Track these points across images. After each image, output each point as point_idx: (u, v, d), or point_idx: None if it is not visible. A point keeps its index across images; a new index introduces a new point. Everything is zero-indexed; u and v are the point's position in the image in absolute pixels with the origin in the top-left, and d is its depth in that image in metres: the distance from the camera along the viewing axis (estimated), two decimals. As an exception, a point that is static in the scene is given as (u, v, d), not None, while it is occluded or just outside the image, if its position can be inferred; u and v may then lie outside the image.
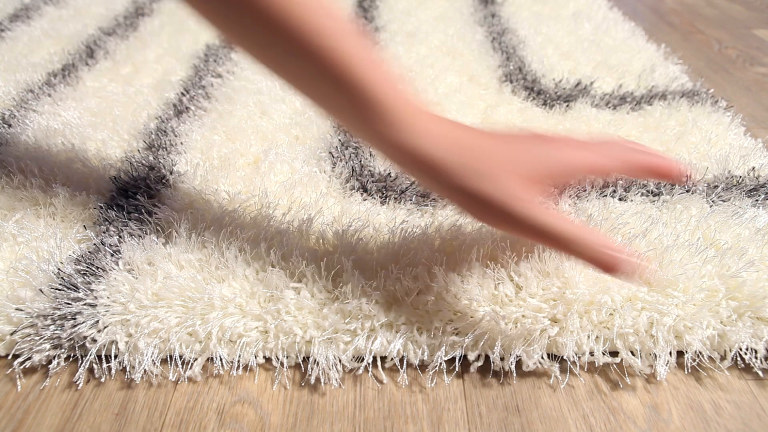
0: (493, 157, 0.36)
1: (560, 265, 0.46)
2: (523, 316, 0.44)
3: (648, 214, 0.53)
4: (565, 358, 0.43)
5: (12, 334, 0.44)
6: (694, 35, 1.04)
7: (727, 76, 0.89)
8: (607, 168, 0.39)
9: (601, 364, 0.44)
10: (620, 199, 0.56)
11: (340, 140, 0.66)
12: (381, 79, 0.36)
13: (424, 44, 0.91)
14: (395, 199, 0.57)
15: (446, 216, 0.54)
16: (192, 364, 0.43)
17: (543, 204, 0.36)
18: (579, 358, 0.43)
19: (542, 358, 0.43)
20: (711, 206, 0.54)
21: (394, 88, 0.36)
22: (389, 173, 0.60)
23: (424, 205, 0.56)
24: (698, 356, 0.44)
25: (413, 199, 0.57)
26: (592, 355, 0.43)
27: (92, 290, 0.45)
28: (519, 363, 0.43)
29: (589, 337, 0.43)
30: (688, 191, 0.56)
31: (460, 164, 0.36)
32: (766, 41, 1.02)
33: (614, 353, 0.44)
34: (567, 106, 0.73)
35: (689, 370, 0.44)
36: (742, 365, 0.44)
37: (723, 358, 0.44)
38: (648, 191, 0.56)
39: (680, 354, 0.44)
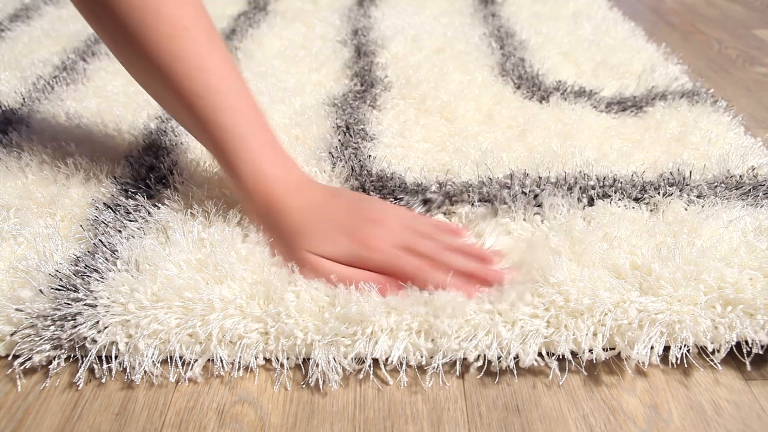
0: (314, 242, 0.47)
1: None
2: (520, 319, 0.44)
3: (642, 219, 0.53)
4: (562, 355, 0.44)
5: (12, 334, 0.44)
6: (694, 35, 1.04)
7: (727, 76, 0.89)
8: (414, 281, 0.45)
9: (600, 359, 0.44)
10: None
11: (339, 140, 0.66)
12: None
13: (424, 44, 0.91)
14: (393, 200, 0.57)
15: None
16: (192, 365, 0.43)
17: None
18: (577, 356, 0.43)
19: (539, 355, 0.43)
20: (702, 207, 0.54)
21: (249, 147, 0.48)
22: (387, 174, 0.60)
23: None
24: (698, 353, 0.44)
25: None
26: (591, 352, 0.43)
27: (92, 291, 0.45)
28: (519, 364, 0.43)
29: (586, 334, 0.43)
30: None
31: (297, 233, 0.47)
32: (766, 41, 1.02)
33: (610, 349, 0.44)
34: (568, 105, 0.73)
35: (685, 365, 0.44)
36: (740, 365, 0.44)
37: (717, 351, 0.44)
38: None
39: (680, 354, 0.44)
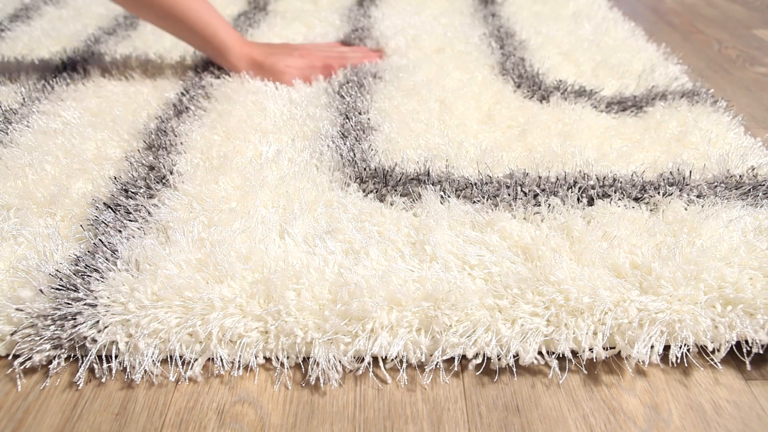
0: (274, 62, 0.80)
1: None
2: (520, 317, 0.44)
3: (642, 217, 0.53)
4: (562, 354, 0.44)
5: (12, 334, 0.44)
6: (694, 35, 1.04)
7: (727, 76, 0.89)
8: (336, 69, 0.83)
9: (600, 358, 0.44)
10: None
11: (339, 136, 0.66)
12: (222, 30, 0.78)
13: (424, 44, 0.91)
14: (393, 194, 0.57)
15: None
16: (192, 364, 0.43)
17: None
18: (577, 355, 0.43)
19: (539, 354, 0.43)
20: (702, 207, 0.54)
21: (230, 35, 0.79)
22: (386, 169, 0.60)
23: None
24: (698, 353, 0.44)
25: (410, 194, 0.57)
26: (591, 351, 0.43)
27: (92, 290, 0.45)
28: (519, 364, 0.43)
29: (586, 333, 0.43)
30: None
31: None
32: (766, 41, 1.02)
33: (610, 348, 0.44)
34: (568, 105, 0.73)
35: (685, 364, 0.44)
36: (740, 364, 0.44)
37: (717, 350, 0.44)
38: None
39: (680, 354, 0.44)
